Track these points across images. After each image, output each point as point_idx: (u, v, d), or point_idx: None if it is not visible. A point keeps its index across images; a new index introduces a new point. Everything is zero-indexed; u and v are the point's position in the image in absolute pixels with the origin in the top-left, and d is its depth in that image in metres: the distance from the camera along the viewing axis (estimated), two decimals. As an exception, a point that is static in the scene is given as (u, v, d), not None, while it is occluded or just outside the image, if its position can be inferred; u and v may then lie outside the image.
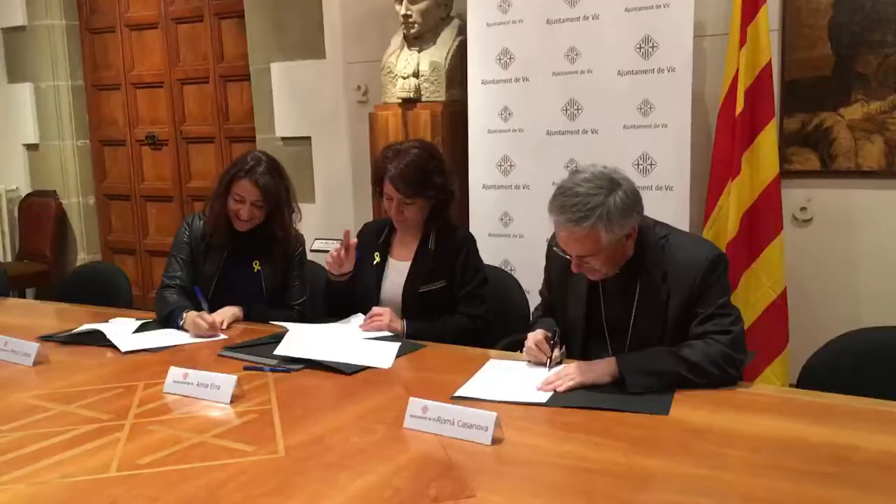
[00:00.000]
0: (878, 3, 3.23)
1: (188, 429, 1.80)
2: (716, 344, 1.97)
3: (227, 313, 2.72)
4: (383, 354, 2.30)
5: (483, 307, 2.66)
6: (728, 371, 1.96)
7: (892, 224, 3.31)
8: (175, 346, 2.49)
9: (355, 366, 2.19)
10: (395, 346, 2.36)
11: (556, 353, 2.12)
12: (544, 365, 2.09)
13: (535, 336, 2.16)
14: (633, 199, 2.02)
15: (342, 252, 2.59)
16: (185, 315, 2.62)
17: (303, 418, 1.84)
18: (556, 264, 2.27)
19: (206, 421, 1.86)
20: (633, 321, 2.14)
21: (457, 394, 1.94)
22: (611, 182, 2.00)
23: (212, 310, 2.74)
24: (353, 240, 2.64)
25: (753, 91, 3.23)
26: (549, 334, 2.15)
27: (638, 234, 2.10)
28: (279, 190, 2.77)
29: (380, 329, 2.50)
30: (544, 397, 1.91)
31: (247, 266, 2.85)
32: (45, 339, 2.56)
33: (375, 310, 2.55)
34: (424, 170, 2.58)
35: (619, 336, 2.17)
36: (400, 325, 2.53)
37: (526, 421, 1.78)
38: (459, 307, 2.65)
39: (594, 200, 1.95)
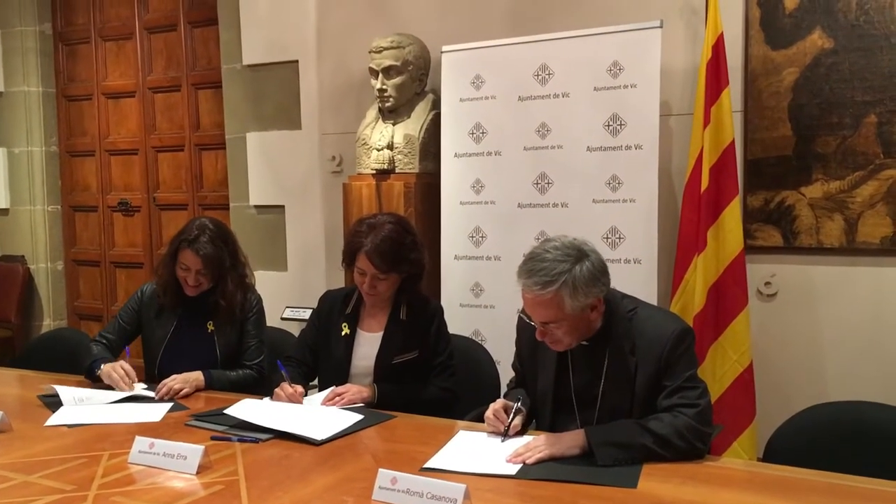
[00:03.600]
0: (835, 87, 3.36)
1: (153, 500, 1.77)
2: (683, 417, 1.99)
3: (191, 379, 2.72)
4: (347, 418, 2.31)
5: (453, 379, 2.67)
6: (695, 444, 1.98)
7: (853, 299, 3.38)
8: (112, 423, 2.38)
9: (323, 438, 2.17)
10: (359, 416, 2.35)
11: (518, 421, 2.14)
12: (501, 434, 2.10)
13: (494, 405, 2.18)
14: (600, 271, 2.06)
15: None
16: (102, 366, 2.71)
17: (270, 490, 1.82)
18: (527, 336, 2.29)
19: (171, 492, 1.83)
20: (601, 393, 2.16)
21: (426, 465, 1.93)
22: (579, 252, 2.05)
23: (162, 372, 2.79)
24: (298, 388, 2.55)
25: (718, 169, 3.33)
26: (510, 404, 2.17)
27: (606, 307, 2.13)
28: (222, 259, 2.83)
29: (348, 404, 2.48)
30: (513, 469, 1.91)
31: (200, 327, 2.89)
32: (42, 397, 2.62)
33: (337, 390, 2.52)
34: (400, 245, 2.57)
35: (588, 408, 2.18)
36: (369, 391, 2.53)
37: (494, 493, 1.78)
38: (431, 378, 2.64)
39: (560, 267, 2.00)
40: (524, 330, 2.31)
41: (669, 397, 2.04)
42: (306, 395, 2.57)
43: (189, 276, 2.81)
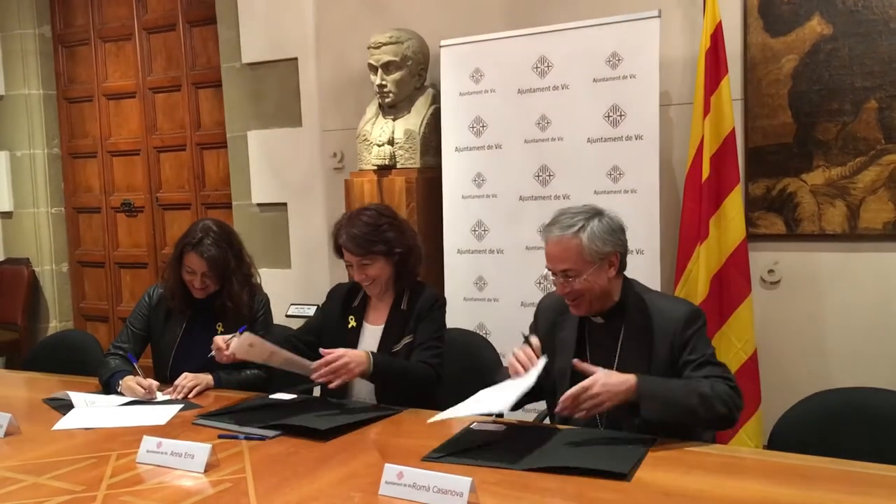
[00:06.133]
0: (835, 73, 3.36)
1: (162, 499, 1.79)
2: (722, 385, 2.05)
3: (202, 380, 2.73)
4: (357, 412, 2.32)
5: (439, 359, 2.63)
6: (733, 412, 2.04)
7: (856, 285, 3.39)
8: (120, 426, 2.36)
9: (330, 428, 2.18)
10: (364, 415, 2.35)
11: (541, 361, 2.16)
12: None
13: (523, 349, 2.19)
14: (617, 226, 2.21)
15: None
16: (121, 382, 2.67)
17: (278, 487, 1.83)
18: (545, 322, 2.38)
19: (179, 491, 1.84)
20: (616, 368, 2.19)
21: (433, 419, 2.02)
22: (597, 210, 2.22)
23: (174, 374, 2.78)
24: None
25: (718, 158, 3.33)
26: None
27: (623, 284, 2.23)
28: (227, 260, 2.83)
29: (347, 375, 2.43)
30: (504, 405, 2.00)
31: (210, 329, 2.89)
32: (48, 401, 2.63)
33: (329, 358, 2.41)
34: (374, 227, 2.60)
35: None
36: (366, 360, 2.46)
37: (500, 486, 1.79)
38: (414, 354, 2.61)
39: (581, 216, 2.18)
40: (543, 314, 2.39)
41: (699, 369, 2.10)
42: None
43: (195, 279, 2.82)
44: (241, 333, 2.48)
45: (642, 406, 1.98)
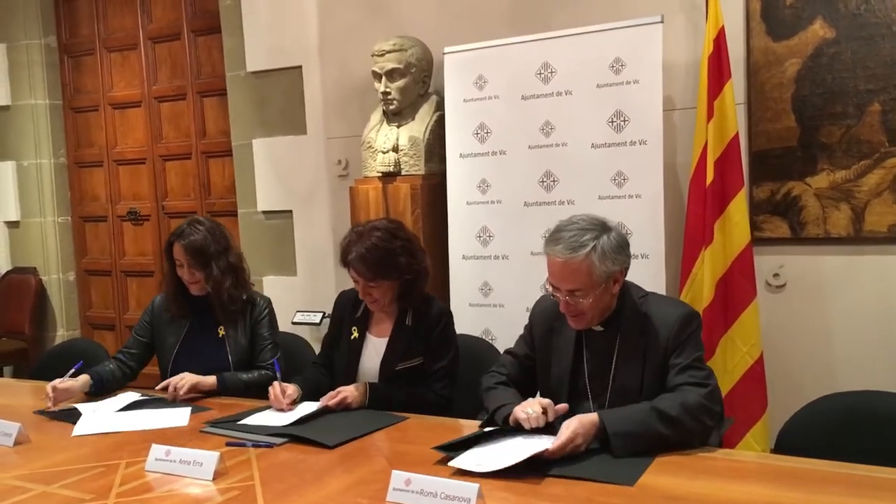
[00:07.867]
0: (838, 76, 3.36)
1: (170, 507, 1.80)
2: (692, 394, 2.02)
3: (195, 380, 2.73)
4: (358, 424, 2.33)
5: (451, 388, 2.65)
6: (705, 422, 2.01)
7: (861, 288, 3.38)
8: (139, 430, 2.40)
9: (337, 439, 2.19)
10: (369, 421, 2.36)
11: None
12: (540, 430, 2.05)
13: (534, 406, 2.11)
14: (624, 242, 2.16)
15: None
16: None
17: (286, 494, 1.84)
18: (541, 326, 2.35)
19: (188, 499, 1.85)
20: (612, 375, 2.20)
21: (452, 463, 1.93)
22: (604, 223, 2.16)
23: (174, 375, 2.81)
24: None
25: (722, 162, 3.33)
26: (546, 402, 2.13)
27: (620, 289, 2.20)
28: (205, 245, 2.85)
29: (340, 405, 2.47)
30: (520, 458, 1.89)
31: (211, 332, 2.91)
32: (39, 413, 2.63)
33: (331, 394, 2.49)
34: (387, 251, 2.55)
35: (601, 393, 2.22)
36: (362, 394, 2.51)
37: (508, 492, 1.79)
38: (429, 382, 2.63)
39: (589, 234, 2.11)
40: (541, 317, 2.35)
41: (680, 374, 2.09)
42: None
43: (184, 271, 2.85)
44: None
45: (612, 444, 1.93)
